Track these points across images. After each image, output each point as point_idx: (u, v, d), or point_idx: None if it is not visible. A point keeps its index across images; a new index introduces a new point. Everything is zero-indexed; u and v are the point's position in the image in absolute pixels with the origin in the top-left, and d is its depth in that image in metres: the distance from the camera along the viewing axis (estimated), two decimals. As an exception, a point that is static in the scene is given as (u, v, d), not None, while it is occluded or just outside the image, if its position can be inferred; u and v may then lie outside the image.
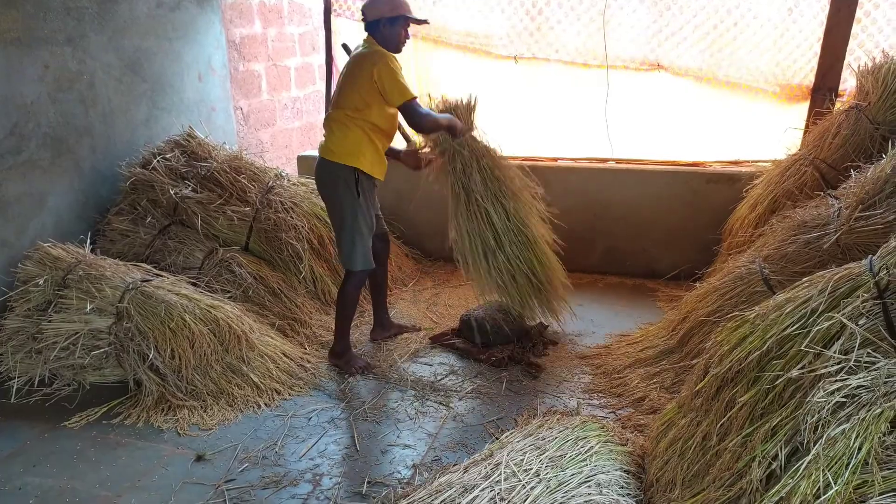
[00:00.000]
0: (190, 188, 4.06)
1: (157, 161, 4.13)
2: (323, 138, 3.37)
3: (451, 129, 3.36)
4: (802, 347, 2.15)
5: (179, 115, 4.76)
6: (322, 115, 5.61)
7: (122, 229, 4.04)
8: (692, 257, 4.40)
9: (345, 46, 4.79)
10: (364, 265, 3.36)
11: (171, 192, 3.99)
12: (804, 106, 4.10)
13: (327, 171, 3.31)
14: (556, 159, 4.68)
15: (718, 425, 2.29)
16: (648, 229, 4.58)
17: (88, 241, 3.71)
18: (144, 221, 4.02)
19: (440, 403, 3.17)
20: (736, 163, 4.38)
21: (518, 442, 2.54)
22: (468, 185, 3.56)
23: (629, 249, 4.67)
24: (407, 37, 3.30)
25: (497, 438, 2.68)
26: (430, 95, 3.61)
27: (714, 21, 4.07)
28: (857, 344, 2.06)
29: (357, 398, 3.22)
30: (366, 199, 3.31)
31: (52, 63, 3.74)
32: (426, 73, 4.73)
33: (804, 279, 2.43)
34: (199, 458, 2.77)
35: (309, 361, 3.54)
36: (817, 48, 3.97)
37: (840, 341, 2.10)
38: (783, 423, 2.09)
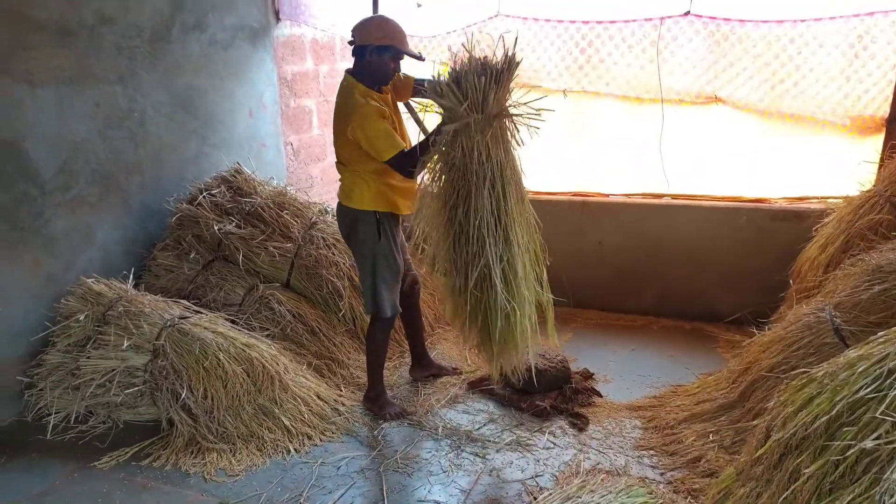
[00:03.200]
0: (234, 224, 4.05)
1: (203, 197, 4.14)
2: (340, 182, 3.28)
3: (443, 137, 2.69)
4: (877, 414, 1.89)
5: (230, 151, 4.79)
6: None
7: (167, 265, 4.05)
8: (756, 300, 4.11)
9: (408, 105, 4.78)
10: (390, 311, 3.23)
11: (215, 228, 3.98)
12: (878, 139, 3.80)
13: (347, 216, 3.22)
14: (607, 195, 4.48)
15: (781, 498, 2.04)
16: (707, 269, 4.31)
17: (132, 276, 3.72)
18: (188, 257, 4.02)
19: (476, 455, 2.98)
20: (803, 199, 4.09)
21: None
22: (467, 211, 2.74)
23: (686, 290, 4.41)
24: (396, 69, 3.08)
25: (534, 499, 2.48)
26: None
27: (775, 51, 3.83)
28: (943, 414, 1.79)
29: (389, 446, 3.07)
30: (389, 241, 3.18)
31: (102, 101, 3.81)
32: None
33: (880, 333, 2.17)
34: (223, 506, 2.67)
35: (343, 405, 3.42)
36: (892, 76, 3.68)
37: (923, 410, 1.84)
38: (856, 502, 1.83)
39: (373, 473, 2.87)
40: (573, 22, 4.16)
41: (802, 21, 3.81)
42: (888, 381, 1.94)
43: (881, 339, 2.12)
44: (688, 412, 3.20)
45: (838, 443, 1.95)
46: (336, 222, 4.09)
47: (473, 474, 2.84)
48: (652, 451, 2.98)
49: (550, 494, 2.41)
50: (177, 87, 4.32)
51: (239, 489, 2.79)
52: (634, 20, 4.04)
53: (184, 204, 4.14)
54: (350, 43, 3.07)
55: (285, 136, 5.42)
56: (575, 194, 4.54)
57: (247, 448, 3.06)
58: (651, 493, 2.43)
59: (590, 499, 2.36)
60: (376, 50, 2.96)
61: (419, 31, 4.65)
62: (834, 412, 2.00)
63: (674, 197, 4.35)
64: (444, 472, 2.86)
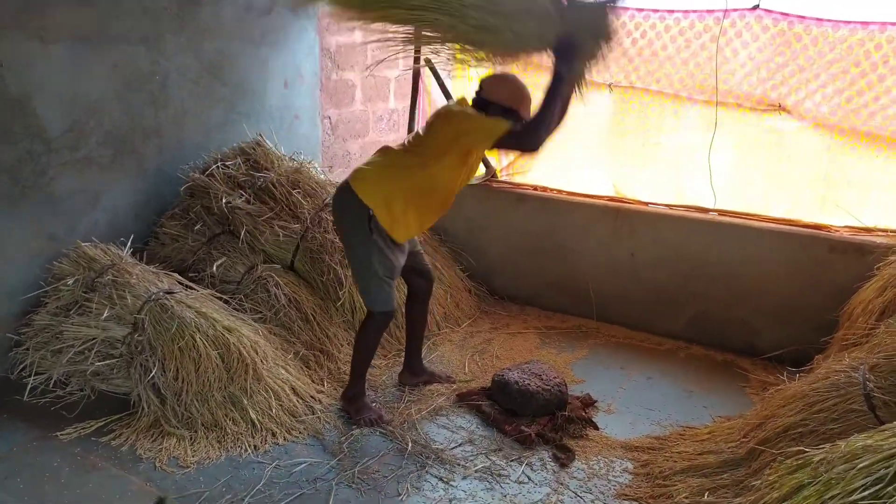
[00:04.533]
0: (243, 198, 3.91)
1: (217, 167, 4.03)
2: (368, 159, 3.06)
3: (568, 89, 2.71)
4: (870, 530, 1.51)
5: (259, 121, 4.66)
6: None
7: (173, 234, 3.97)
8: (803, 338, 3.63)
9: (428, 62, 4.50)
10: (379, 307, 3.00)
11: (223, 202, 3.85)
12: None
13: (342, 197, 2.97)
14: (646, 203, 4.07)
15: None
16: (751, 297, 3.85)
17: (131, 243, 3.65)
18: (194, 228, 3.92)
19: (440, 479, 2.73)
20: (869, 230, 3.55)
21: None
22: None
23: (724, 318, 3.95)
24: None
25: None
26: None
27: (856, 57, 3.30)
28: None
29: (352, 456, 2.87)
30: (383, 238, 2.92)
31: (121, 62, 3.73)
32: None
33: (893, 423, 1.76)
34: (160, 502, 2.48)
35: (320, 402, 3.24)
36: None
37: (927, 534, 1.45)
38: None
39: (325, 485, 2.67)
40: (626, 9, 3.74)
41: (893, 24, 3.26)
42: (890, 488, 1.55)
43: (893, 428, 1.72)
44: (688, 462, 2.83)
45: (818, 554, 1.59)
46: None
47: (428, 500, 2.59)
48: (636, 503, 2.64)
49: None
50: (205, 52, 4.21)
51: (184, 483, 2.65)
52: (695, 11, 3.59)
53: (196, 173, 4.03)
54: (476, 92, 2.91)
55: (323, 110, 5.25)
56: (611, 199, 4.15)
57: (207, 438, 2.93)
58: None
59: (534, 558, 2.08)
60: (501, 110, 2.80)
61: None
62: (819, 513, 1.63)
63: (720, 213, 3.88)
64: (399, 494, 2.63)
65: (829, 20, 3.30)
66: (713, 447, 2.90)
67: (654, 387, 3.56)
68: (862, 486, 1.60)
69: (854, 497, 1.60)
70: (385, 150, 3.05)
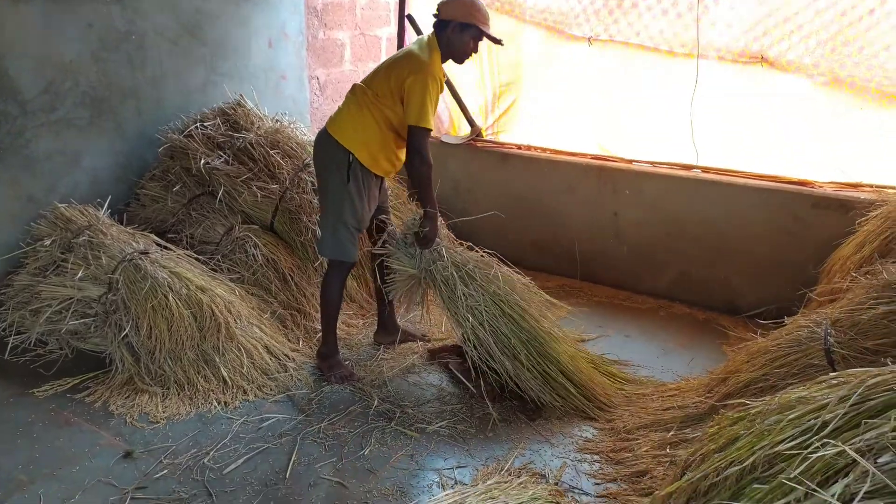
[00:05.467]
0: (222, 159, 3.91)
1: (196, 128, 4.01)
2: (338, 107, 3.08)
3: (432, 220, 3.00)
4: (790, 478, 1.50)
5: (243, 81, 4.63)
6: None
7: (153, 195, 3.99)
8: (785, 296, 3.58)
9: (409, 17, 4.43)
10: (342, 256, 3.03)
11: (201, 163, 3.85)
12: (955, 121, 3.13)
13: (323, 145, 3.04)
14: (630, 161, 4.00)
15: (673, 553, 1.71)
16: (733, 255, 3.80)
17: (108, 204, 3.67)
18: (174, 189, 3.93)
19: (404, 434, 2.76)
20: (855, 186, 3.47)
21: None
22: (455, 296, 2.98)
23: (706, 277, 3.92)
24: (475, 50, 2.99)
25: (432, 495, 2.25)
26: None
27: (842, 6, 3.18)
28: (865, 490, 1.39)
29: (320, 412, 2.90)
30: (358, 188, 2.97)
31: (96, 21, 3.70)
32: (495, 49, 4.21)
33: (833, 374, 1.74)
34: (127, 455, 2.60)
35: (293, 360, 3.27)
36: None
37: (846, 481, 1.44)
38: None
39: (289, 440, 2.71)
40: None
41: (881, -29, 3.13)
42: (815, 438, 1.53)
43: (833, 381, 1.69)
44: (653, 417, 2.83)
45: (744, 502, 1.58)
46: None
47: (391, 456, 2.62)
48: (596, 457, 2.65)
49: (448, 494, 2.17)
50: (183, 11, 4.16)
51: (151, 438, 2.71)
52: (674, -41, 3.47)
53: (174, 134, 4.02)
54: (434, 16, 2.98)
55: (311, 70, 5.19)
56: (594, 157, 4.08)
57: (178, 395, 2.98)
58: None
59: (481, 508, 2.10)
60: (459, 27, 2.88)
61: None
62: (748, 462, 1.62)
63: (704, 170, 3.81)
64: (362, 449, 2.66)
65: (813, -33, 3.19)
66: (680, 402, 2.89)
67: (630, 345, 3.54)
68: (790, 436, 1.59)
69: (780, 447, 1.58)
70: (353, 89, 3.08)
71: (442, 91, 3.00)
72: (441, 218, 3.19)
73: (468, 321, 2.90)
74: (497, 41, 3.01)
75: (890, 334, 2.20)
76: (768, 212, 3.63)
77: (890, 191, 3.34)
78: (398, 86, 2.90)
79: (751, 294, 3.78)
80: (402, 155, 3.11)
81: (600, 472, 2.57)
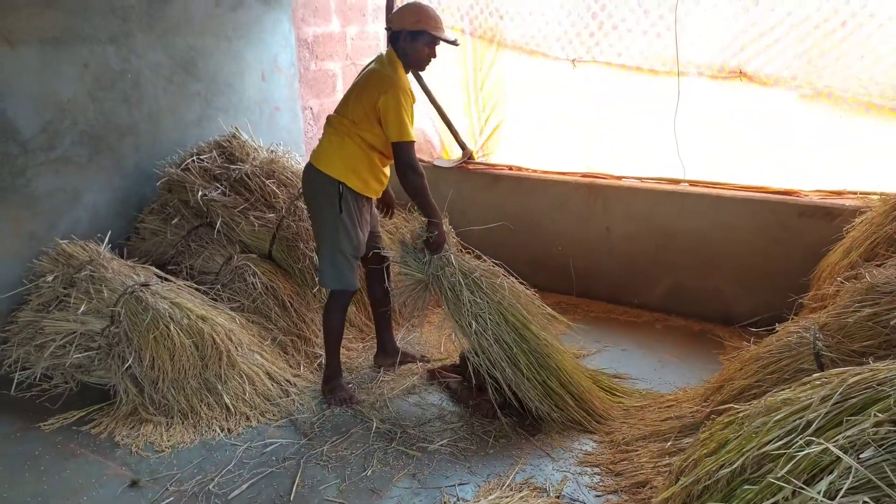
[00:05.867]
0: (219, 191, 3.98)
1: (193, 161, 4.09)
2: (319, 140, 3.15)
3: (438, 226, 3.04)
4: (775, 477, 1.55)
5: (238, 114, 4.72)
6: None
7: (153, 228, 4.06)
8: (777, 303, 3.63)
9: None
10: (342, 285, 3.08)
11: (199, 195, 3.92)
12: (933, 127, 3.21)
13: (311, 179, 3.10)
14: (619, 177, 4.08)
15: (671, 557, 1.75)
16: (724, 266, 3.86)
17: (108, 239, 3.73)
18: (172, 222, 4.00)
19: (406, 454, 2.80)
20: (839, 193, 3.55)
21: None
22: (460, 306, 3.02)
23: (699, 288, 3.98)
24: (432, 55, 3.04)
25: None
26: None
27: (816, 20, 3.28)
28: (848, 486, 1.44)
29: (322, 436, 2.94)
30: (351, 217, 3.03)
31: (92, 61, 3.80)
32: (480, 74, 4.32)
33: (815, 375, 1.79)
34: (134, 484, 2.63)
35: (295, 385, 3.32)
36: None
37: (830, 477, 1.49)
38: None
39: (293, 464, 2.75)
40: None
41: (851, -16, 3.24)
42: (800, 437, 1.58)
43: (816, 383, 1.75)
44: (652, 428, 2.87)
45: (735, 502, 1.63)
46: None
47: (394, 476, 2.66)
48: (597, 469, 2.68)
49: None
50: (177, 48, 4.26)
51: (157, 466, 2.74)
52: (652, -19, 3.58)
53: (171, 168, 4.10)
54: (387, 29, 3.06)
55: (304, 100, 5.29)
56: (584, 175, 4.17)
57: (182, 424, 3.02)
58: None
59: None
60: (409, 35, 2.94)
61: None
62: (737, 464, 1.67)
63: (691, 183, 3.89)
64: (365, 469, 2.70)
65: (785, -17, 3.29)
66: (677, 413, 2.94)
67: (627, 358, 3.59)
68: (777, 437, 1.64)
69: (767, 448, 1.63)
70: (329, 121, 3.13)
71: (414, 101, 3.02)
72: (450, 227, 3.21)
73: (472, 327, 2.93)
74: (452, 42, 3.05)
75: (875, 335, 2.26)
76: (756, 221, 3.70)
77: (873, 197, 3.40)
78: (371, 107, 2.93)
79: (744, 303, 3.84)
80: (388, 171, 3.18)
81: (601, 484, 2.60)
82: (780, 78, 3.42)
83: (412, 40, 2.96)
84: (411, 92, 3.00)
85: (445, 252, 3.08)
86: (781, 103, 3.48)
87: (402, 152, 2.93)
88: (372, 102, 2.93)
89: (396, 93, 2.89)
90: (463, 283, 3.00)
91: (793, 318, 3.15)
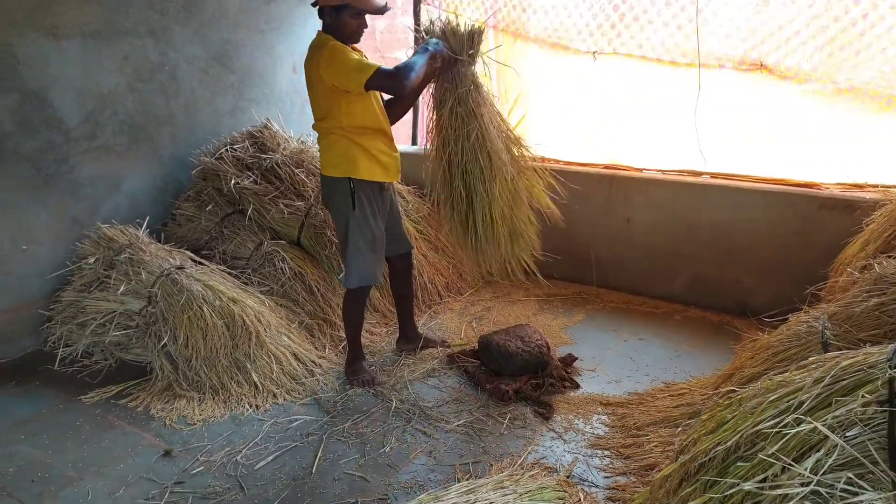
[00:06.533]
0: (251, 179, 4.14)
1: (226, 151, 4.26)
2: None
3: (434, 63, 2.84)
4: (767, 454, 1.63)
5: (270, 105, 4.88)
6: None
7: (188, 215, 4.24)
8: (797, 296, 3.65)
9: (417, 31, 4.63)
10: (361, 282, 3.19)
11: (231, 183, 4.09)
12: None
13: (324, 185, 3.20)
14: (640, 169, 4.13)
15: (667, 531, 1.84)
16: (744, 258, 3.89)
17: (146, 224, 3.92)
18: (207, 209, 4.18)
19: (423, 433, 2.91)
20: (859, 186, 3.55)
21: (452, 498, 2.24)
22: (459, 146, 3.02)
23: (718, 279, 4.01)
24: (362, 26, 2.96)
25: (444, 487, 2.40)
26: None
27: (836, 12, 3.29)
28: (834, 463, 1.51)
29: (344, 414, 3.07)
30: (364, 212, 3.10)
31: (131, 54, 3.98)
32: (503, 67, 4.39)
33: (812, 358, 1.86)
34: (167, 454, 2.80)
35: (320, 367, 3.46)
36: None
37: (818, 455, 1.56)
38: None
39: (316, 439, 2.89)
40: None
41: (874, -23, 3.24)
42: (791, 417, 1.66)
43: (812, 366, 1.81)
44: (663, 414, 2.95)
45: (727, 479, 1.71)
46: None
47: (411, 453, 2.78)
48: (607, 452, 2.77)
49: (462, 485, 2.32)
50: (212, 42, 4.43)
51: (189, 438, 2.91)
52: (674, -26, 3.62)
53: (206, 157, 4.27)
54: (313, 5, 2.98)
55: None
56: (605, 167, 4.22)
57: (213, 399, 3.18)
58: (561, 499, 2.26)
59: (492, 496, 2.24)
60: (333, 10, 2.88)
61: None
62: (730, 442, 1.75)
63: (712, 175, 3.92)
64: (384, 446, 2.82)
65: (808, -24, 3.31)
66: (689, 400, 3.00)
67: (644, 348, 3.65)
68: (770, 416, 1.71)
69: (760, 426, 1.70)
70: (319, 128, 3.13)
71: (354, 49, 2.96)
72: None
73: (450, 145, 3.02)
74: (379, 10, 2.93)
75: (881, 325, 2.30)
76: (776, 214, 3.72)
77: (893, 190, 3.41)
78: (320, 83, 2.87)
79: (763, 295, 3.86)
80: (392, 143, 3.15)
81: (610, 466, 2.69)
82: (800, 70, 3.43)
83: (336, 14, 2.86)
84: (339, 43, 2.88)
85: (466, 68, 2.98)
86: (802, 96, 3.49)
87: (377, 82, 2.76)
88: (318, 78, 2.86)
89: (324, 51, 2.81)
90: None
91: (805, 309, 3.19)
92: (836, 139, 3.51)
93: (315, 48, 2.93)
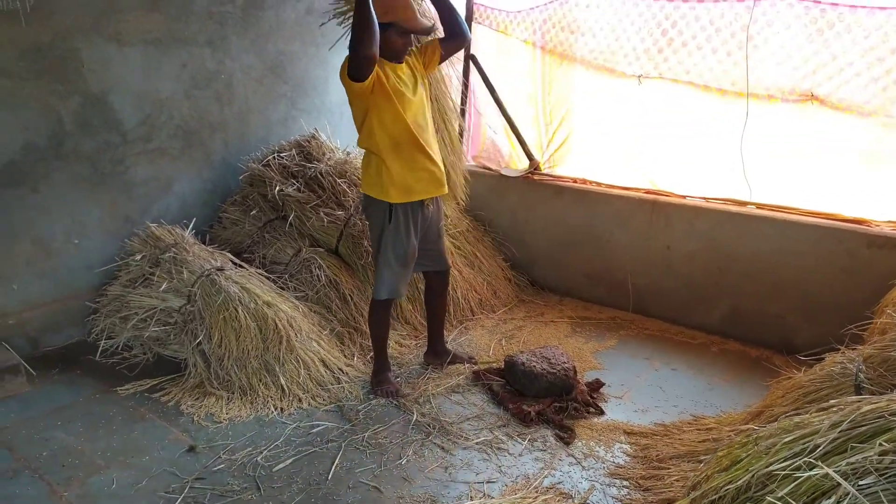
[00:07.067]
0: (294, 187, 4.24)
1: (273, 158, 4.38)
2: None
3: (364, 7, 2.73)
4: (778, 497, 1.58)
5: (320, 116, 5.00)
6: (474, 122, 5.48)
7: (233, 218, 4.37)
8: (841, 335, 3.52)
9: (473, 58, 4.68)
10: (388, 294, 3.24)
11: (276, 190, 4.20)
12: None
13: (362, 201, 3.28)
14: (683, 196, 4.06)
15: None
16: (788, 293, 3.77)
17: (192, 225, 4.06)
18: (251, 214, 4.30)
19: (441, 448, 2.92)
20: (913, 225, 3.41)
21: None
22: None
23: (759, 313, 3.89)
24: (407, 45, 3.01)
25: (457, 505, 2.40)
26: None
27: (893, 44, 3.18)
28: (844, 513, 1.45)
29: (365, 423, 3.10)
30: (399, 226, 3.14)
31: (189, 62, 4.15)
32: (549, 87, 4.40)
33: (832, 401, 1.79)
34: (191, 449, 2.88)
35: (347, 374, 3.50)
36: None
37: (828, 502, 1.51)
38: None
39: (335, 446, 2.92)
40: (657, 0, 3.76)
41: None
42: (804, 460, 1.60)
43: (834, 409, 1.75)
44: (688, 448, 2.87)
45: (734, 520, 1.66)
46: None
47: (427, 468, 2.78)
48: (626, 482, 2.71)
49: (473, 503, 2.31)
50: (268, 52, 4.57)
51: (214, 435, 2.98)
52: (725, 0, 3.56)
53: (254, 164, 4.40)
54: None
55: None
56: (647, 191, 4.17)
57: (241, 399, 3.26)
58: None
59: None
60: (380, 27, 2.88)
61: (505, 5, 4.48)
62: (740, 482, 1.70)
63: (758, 206, 3.82)
64: (400, 458, 2.84)
65: (864, 6, 3.20)
66: (716, 436, 2.92)
67: (675, 378, 3.57)
68: (781, 458, 1.65)
69: (773, 468, 1.65)
70: (357, 144, 3.18)
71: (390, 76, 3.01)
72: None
73: None
74: (426, 31, 2.97)
75: (917, 372, 2.20)
76: (823, 249, 3.60)
77: (950, 231, 3.26)
78: (350, 96, 2.96)
79: (806, 333, 3.73)
80: (433, 155, 3.12)
81: (627, 497, 2.63)
82: (853, 103, 3.32)
83: (383, 32, 2.86)
84: None
85: None
86: (854, 129, 3.37)
87: (352, 66, 2.82)
88: (347, 88, 2.94)
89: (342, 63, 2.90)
90: None
91: (842, 350, 3.07)
92: (888, 175, 3.38)
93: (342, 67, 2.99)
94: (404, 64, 3.09)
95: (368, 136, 3.06)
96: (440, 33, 3.31)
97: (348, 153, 4.54)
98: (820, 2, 3.28)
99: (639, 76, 3.85)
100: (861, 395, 2.34)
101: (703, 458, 2.79)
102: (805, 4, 3.32)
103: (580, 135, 4.36)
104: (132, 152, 3.99)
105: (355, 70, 2.83)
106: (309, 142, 4.54)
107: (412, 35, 3.03)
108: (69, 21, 3.54)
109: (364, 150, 3.18)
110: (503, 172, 4.74)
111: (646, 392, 3.42)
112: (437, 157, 3.19)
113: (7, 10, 3.30)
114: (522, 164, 4.72)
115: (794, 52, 3.40)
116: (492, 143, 4.90)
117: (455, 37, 3.22)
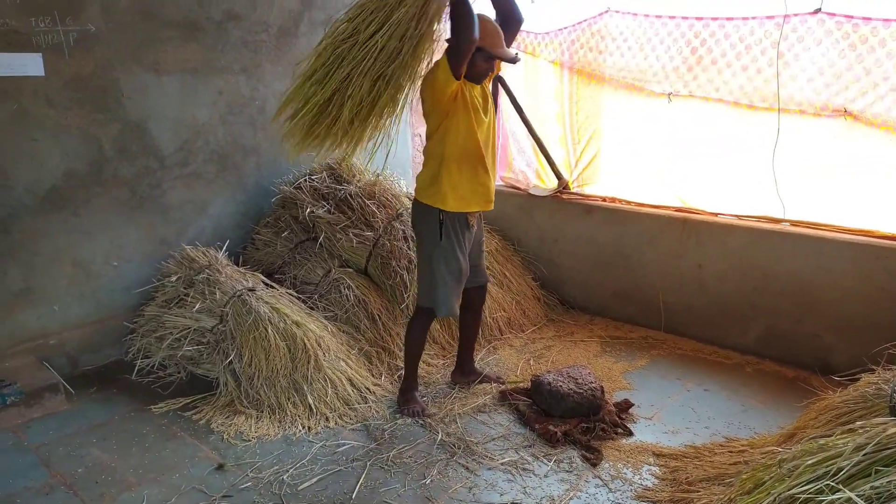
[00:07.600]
0: (325, 209, 4.32)
1: (304, 181, 4.47)
2: None
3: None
4: (796, 523, 1.53)
5: (351, 139, 5.08)
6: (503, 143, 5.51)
7: (266, 240, 4.46)
8: (880, 355, 3.40)
9: (500, 79, 4.71)
10: (446, 312, 3.22)
11: (306, 211, 4.28)
12: None
13: (415, 208, 3.28)
14: (715, 214, 4.00)
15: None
16: (824, 312, 3.67)
17: (226, 247, 4.16)
18: (282, 235, 4.38)
19: (466, 468, 2.90)
20: (954, 242, 3.29)
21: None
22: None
23: (795, 333, 3.79)
24: (489, 69, 3.05)
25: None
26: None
27: (928, 57, 3.11)
28: (866, 539, 1.41)
29: (391, 442, 3.11)
30: (451, 243, 3.15)
31: (225, 89, 4.28)
32: (577, 107, 4.40)
33: (859, 424, 1.74)
34: (220, 467, 2.92)
35: (374, 394, 3.52)
36: None
37: (851, 528, 1.45)
38: None
39: (360, 465, 2.93)
40: (686, 18, 3.75)
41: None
42: (825, 483, 1.55)
43: (859, 432, 1.70)
44: (718, 471, 2.80)
45: (755, 545, 1.62)
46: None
47: (451, 488, 2.77)
48: (653, 506, 2.66)
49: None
50: (300, 78, 4.67)
51: (242, 454, 3.02)
52: (754, 17, 3.53)
53: (286, 186, 4.50)
54: (447, 41, 3.02)
55: (413, 128, 5.59)
56: (677, 210, 4.12)
57: (270, 418, 3.30)
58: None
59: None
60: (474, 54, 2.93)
61: (533, 28, 4.51)
62: (764, 506, 1.66)
63: (793, 223, 3.74)
64: (424, 478, 2.83)
65: (897, 20, 3.14)
66: (748, 458, 2.84)
67: (708, 399, 3.50)
68: (803, 482, 1.61)
69: (794, 491, 1.60)
70: (423, 150, 3.26)
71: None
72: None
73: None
74: (511, 60, 3.02)
75: (955, 393, 2.12)
76: (860, 267, 3.50)
77: None
78: (432, 94, 2.96)
79: (844, 353, 3.62)
80: (488, 173, 3.15)
81: (654, 519, 2.58)
82: (888, 118, 3.24)
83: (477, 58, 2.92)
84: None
85: None
86: (890, 144, 3.29)
87: (453, 57, 2.83)
88: (425, 95, 3.00)
89: (431, 67, 2.95)
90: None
91: (877, 371, 2.97)
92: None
93: (428, 71, 3.04)
94: (482, 87, 3.14)
95: (439, 142, 3.09)
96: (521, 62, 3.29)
97: (377, 175, 4.61)
98: (852, 17, 3.22)
99: (668, 94, 3.83)
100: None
101: (733, 480, 2.72)
102: (836, 20, 3.27)
103: (609, 153, 4.35)
104: (169, 177, 4.11)
105: (460, 56, 2.83)
106: (339, 164, 4.62)
107: (495, 61, 3.06)
108: (110, 53, 3.70)
109: (424, 158, 3.21)
110: (532, 192, 4.75)
111: (677, 413, 3.36)
112: (493, 177, 3.25)
113: (52, 45, 3.47)
114: (551, 183, 4.71)
115: (826, 67, 3.34)
116: (520, 163, 4.91)
117: (511, 24, 3.14)
